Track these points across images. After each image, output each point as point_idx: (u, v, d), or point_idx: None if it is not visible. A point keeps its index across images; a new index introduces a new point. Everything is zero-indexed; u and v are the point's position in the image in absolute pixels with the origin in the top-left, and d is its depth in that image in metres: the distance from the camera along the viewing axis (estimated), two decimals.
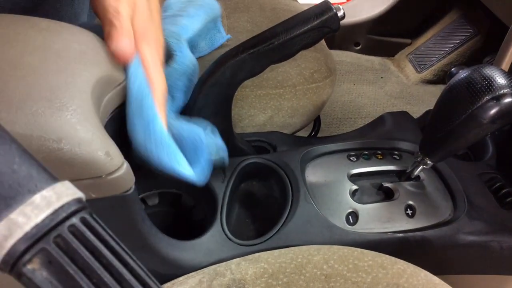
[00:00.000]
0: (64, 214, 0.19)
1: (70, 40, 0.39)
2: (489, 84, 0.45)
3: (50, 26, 0.40)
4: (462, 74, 0.48)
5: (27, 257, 0.18)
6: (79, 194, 0.21)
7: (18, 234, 0.18)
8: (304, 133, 0.87)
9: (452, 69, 0.57)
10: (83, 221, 0.20)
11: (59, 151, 0.32)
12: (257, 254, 0.45)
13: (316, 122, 0.86)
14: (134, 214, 0.40)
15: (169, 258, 0.45)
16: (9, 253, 0.18)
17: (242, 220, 0.55)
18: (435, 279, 0.44)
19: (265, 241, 0.49)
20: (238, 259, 0.45)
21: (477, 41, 1.19)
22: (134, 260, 0.20)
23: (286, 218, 0.51)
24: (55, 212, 0.19)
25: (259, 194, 0.57)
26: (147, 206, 0.55)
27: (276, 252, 0.45)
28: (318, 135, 0.90)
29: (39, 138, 0.31)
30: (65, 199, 0.20)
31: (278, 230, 0.50)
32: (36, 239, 0.19)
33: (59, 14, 0.59)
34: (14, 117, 0.32)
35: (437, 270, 0.47)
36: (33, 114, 0.32)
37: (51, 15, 0.57)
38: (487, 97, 0.45)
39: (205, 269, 0.45)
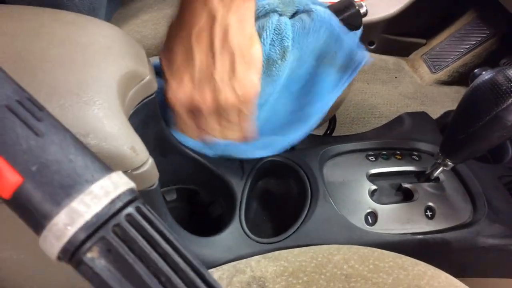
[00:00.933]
0: (120, 204, 0.20)
1: (95, 34, 0.39)
2: None
3: (75, 20, 0.40)
4: (486, 75, 0.47)
5: (87, 245, 0.19)
6: (132, 184, 0.21)
7: (79, 222, 0.18)
8: (318, 132, 0.87)
9: (476, 70, 0.56)
10: (138, 210, 0.20)
11: (86, 145, 0.32)
12: (277, 252, 0.45)
13: (332, 121, 0.85)
14: (157, 209, 0.40)
15: None
16: (70, 241, 0.18)
17: (260, 217, 0.55)
18: (456, 281, 0.44)
19: (284, 239, 0.49)
20: (257, 256, 0.45)
21: (493, 43, 1.17)
22: (186, 249, 0.20)
23: (305, 216, 0.50)
24: (113, 201, 0.19)
25: (277, 192, 0.57)
26: (165, 201, 0.55)
27: (296, 250, 0.45)
28: (332, 134, 0.89)
29: None
30: (121, 189, 0.20)
31: (297, 228, 0.49)
32: (96, 227, 0.19)
33: (77, 8, 0.59)
34: None
35: (456, 272, 0.46)
36: (60, 107, 0.32)
37: (69, 8, 0.57)
38: None
39: (225, 266, 0.44)
